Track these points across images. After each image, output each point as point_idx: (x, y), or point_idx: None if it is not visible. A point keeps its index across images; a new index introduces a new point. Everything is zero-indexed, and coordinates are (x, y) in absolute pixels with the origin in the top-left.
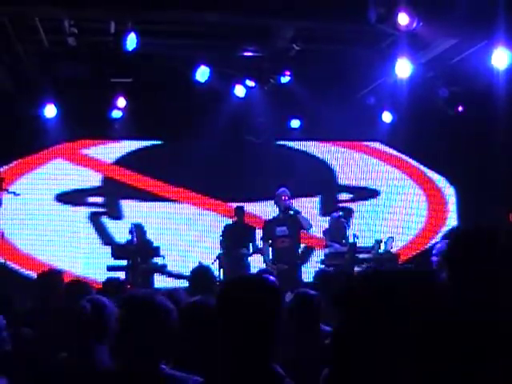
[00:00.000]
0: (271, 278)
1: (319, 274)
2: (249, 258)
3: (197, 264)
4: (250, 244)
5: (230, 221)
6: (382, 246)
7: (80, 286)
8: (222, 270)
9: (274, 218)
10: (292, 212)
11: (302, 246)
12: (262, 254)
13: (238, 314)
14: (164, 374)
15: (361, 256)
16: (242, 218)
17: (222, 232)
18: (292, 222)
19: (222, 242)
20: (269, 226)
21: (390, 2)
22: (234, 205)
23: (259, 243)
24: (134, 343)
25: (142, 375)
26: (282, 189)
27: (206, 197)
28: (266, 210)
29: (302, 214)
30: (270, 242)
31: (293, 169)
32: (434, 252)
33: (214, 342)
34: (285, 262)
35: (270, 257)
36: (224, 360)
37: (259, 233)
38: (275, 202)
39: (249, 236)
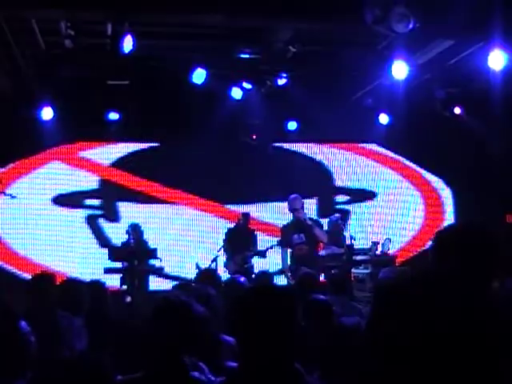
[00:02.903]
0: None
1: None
2: (252, 260)
3: (194, 266)
4: (252, 247)
5: (229, 224)
6: (379, 248)
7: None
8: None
9: (289, 223)
10: (307, 224)
11: None
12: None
13: (259, 322)
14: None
15: (358, 258)
16: (247, 223)
17: (226, 235)
18: (307, 228)
19: (224, 246)
20: (285, 231)
21: (386, 3)
22: (231, 207)
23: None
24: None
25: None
26: (293, 196)
27: (203, 199)
28: (262, 212)
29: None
30: (288, 248)
31: (290, 171)
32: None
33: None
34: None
35: (289, 262)
36: (248, 362)
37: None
38: (289, 209)
39: (252, 240)
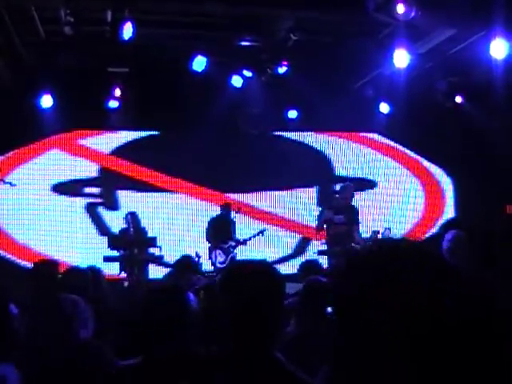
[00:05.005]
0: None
1: (304, 266)
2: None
3: (194, 254)
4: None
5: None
6: (379, 237)
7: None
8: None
9: (331, 205)
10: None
11: (299, 236)
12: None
13: (240, 298)
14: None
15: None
16: (229, 213)
17: (209, 224)
18: (349, 211)
19: (208, 235)
20: (326, 211)
21: None
22: (231, 195)
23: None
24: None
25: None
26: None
27: (202, 187)
28: (262, 200)
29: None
30: (326, 227)
31: (290, 159)
32: (443, 242)
33: None
34: (339, 245)
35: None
36: (225, 345)
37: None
38: (339, 193)
39: (233, 229)
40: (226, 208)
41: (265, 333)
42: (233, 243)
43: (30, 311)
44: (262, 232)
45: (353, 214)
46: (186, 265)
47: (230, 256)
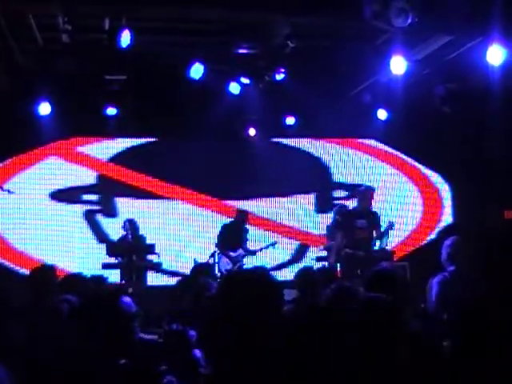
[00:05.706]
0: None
1: (300, 273)
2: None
3: (192, 262)
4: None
5: (227, 219)
6: (377, 243)
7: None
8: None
9: (353, 209)
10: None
11: (297, 243)
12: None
13: (236, 306)
14: None
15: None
16: (244, 221)
17: (221, 230)
18: (370, 217)
19: (218, 241)
20: (348, 216)
21: None
22: (229, 202)
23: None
24: None
25: None
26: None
27: (201, 194)
28: (260, 207)
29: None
30: (346, 231)
31: (288, 166)
32: (443, 248)
33: None
34: (362, 250)
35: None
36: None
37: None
38: (359, 198)
39: (245, 238)
40: (241, 216)
41: (262, 337)
42: (242, 252)
43: (29, 316)
44: (273, 244)
45: (374, 220)
46: (200, 270)
47: (237, 265)
